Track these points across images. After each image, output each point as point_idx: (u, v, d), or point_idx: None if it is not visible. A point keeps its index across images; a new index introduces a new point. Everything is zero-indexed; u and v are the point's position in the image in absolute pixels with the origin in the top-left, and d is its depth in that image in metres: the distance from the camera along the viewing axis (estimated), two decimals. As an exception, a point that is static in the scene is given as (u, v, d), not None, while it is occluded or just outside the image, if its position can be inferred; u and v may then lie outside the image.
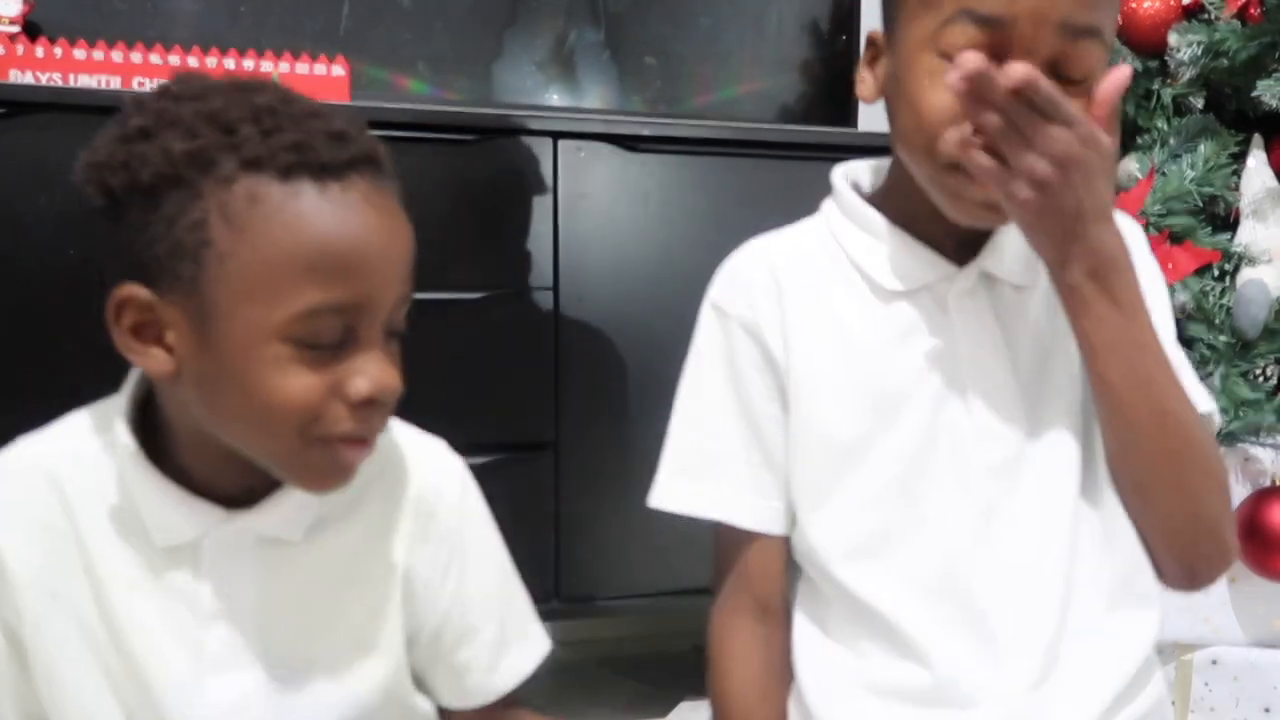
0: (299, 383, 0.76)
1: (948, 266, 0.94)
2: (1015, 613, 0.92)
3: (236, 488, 0.83)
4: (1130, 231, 1.00)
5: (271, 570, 0.85)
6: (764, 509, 0.98)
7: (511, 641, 0.99)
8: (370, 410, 0.79)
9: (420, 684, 0.97)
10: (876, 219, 0.96)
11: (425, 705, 0.97)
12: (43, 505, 0.83)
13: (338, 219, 0.77)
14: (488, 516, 0.96)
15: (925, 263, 0.95)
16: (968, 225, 0.91)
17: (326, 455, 0.79)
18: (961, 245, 0.95)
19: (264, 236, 0.75)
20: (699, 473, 0.99)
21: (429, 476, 0.92)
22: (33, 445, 0.86)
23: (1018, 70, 0.76)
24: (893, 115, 0.93)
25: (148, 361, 0.80)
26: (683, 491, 1.00)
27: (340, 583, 0.87)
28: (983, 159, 0.81)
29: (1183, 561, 0.93)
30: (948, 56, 0.83)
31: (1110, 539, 0.96)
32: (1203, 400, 0.96)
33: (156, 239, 0.77)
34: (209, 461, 0.82)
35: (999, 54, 0.83)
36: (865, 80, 0.96)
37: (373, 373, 0.78)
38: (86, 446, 0.85)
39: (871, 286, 0.96)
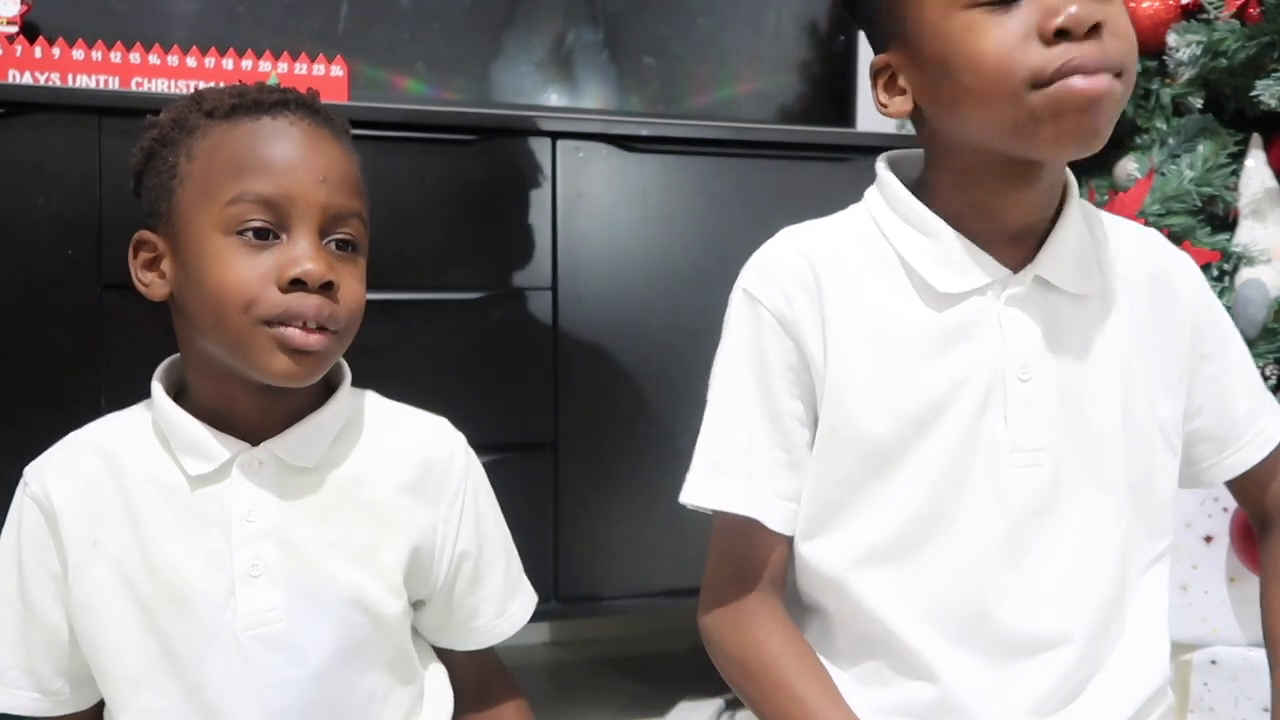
0: (237, 271, 0.92)
1: (1002, 270, 0.92)
2: (1036, 640, 0.90)
3: (253, 426, 0.98)
4: (1190, 268, 1.00)
5: (290, 494, 0.98)
6: (784, 510, 0.95)
7: (513, 591, 1.12)
8: (301, 294, 0.93)
9: (433, 641, 1.11)
10: (931, 217, 0.93)
11: (424, 673, 1.08)
12: (90, 470, 0.98)
13: (261, 134, 0.96)
14: (487, 480, 1.10)
15: (981, 265, 0.91)
16: (1071, 151, 0.87)
17: (272, 338, 0.93)
18: (1013, 247, 0.92)
19: (208, 156, 0.95)
20: (726, 467, 0.95)
21: (438, 447, 1.06)
22: (87, 428, 1.02)
23: None
24: (943, 97, 0.89)
25: (152, 289, 0.98)
26: (710, 485, 0.96)
27: (349, 512, 1.00)
28: None
29: None
30: (976, 6, 0.85)
31: (1141, 576, 0.96)
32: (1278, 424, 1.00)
33: (152, 188, 0.98)
34: (225, 395, 0.97)
35: None
36: (891, 102, 0.93)
37: (300, 259, 0.93)
38: (130, 420, 1.02)
39: (919, 287, 0.92)
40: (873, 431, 0.91)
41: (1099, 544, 0.92)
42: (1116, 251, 0.97)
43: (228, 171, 0.94)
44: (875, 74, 0.94)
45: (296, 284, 0.93)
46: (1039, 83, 0.83)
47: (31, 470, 0.99)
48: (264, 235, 0.94)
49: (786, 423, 0.94)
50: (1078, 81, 0.83)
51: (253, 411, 0.98)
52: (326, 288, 0.94)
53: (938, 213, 0.93)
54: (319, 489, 0.99)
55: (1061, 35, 0.83)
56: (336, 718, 0.98)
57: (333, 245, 0.96)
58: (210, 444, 0.96)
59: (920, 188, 0.96)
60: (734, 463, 0.95)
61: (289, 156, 0.95)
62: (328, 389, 1.03)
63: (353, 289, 0.97)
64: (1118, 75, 0.84)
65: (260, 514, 0.97)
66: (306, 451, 0.99)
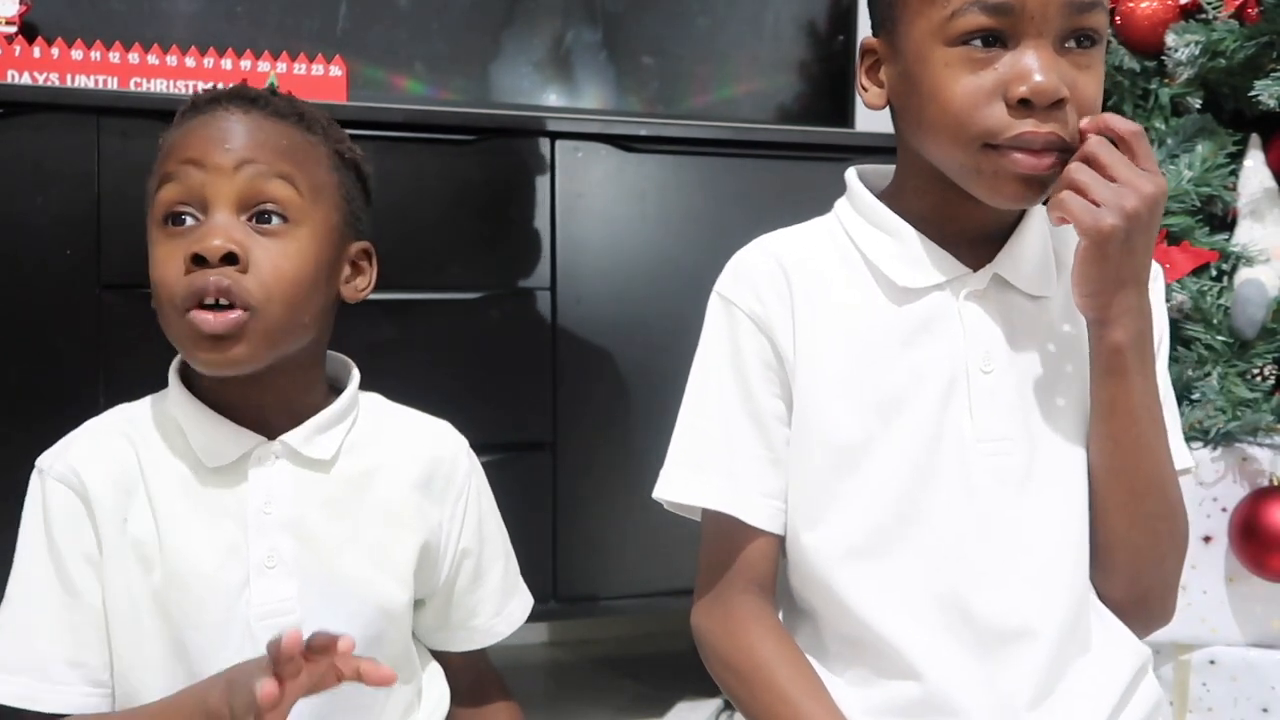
0: (156, 267, 0.94)
1: (961, 268, 0.94)
2: (1016, 627, 0.91)
3: (262, 420, 0.98)
4: (1157, 276, 1.01)
5: (306, 488, 0.99)
6: (767, 507, 0.96)
7: (511, 592, 1.13)
8: (202, 271, 0.92)
9: (429, 643, 1.11)
10: (894, 218, 0.96)
11: (421, 673, 1.08)
12: (118, 452, 0.98)
13: (182, 127, 0.97)
14: (488, 483, 1.11)
15: (940, 262, 0.94)
16: (1005, 206, 0.92)
17: (187, 324, 0.92)
18: (975, 248, 0.95)
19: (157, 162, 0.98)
20: (705, 464, 0.97)
21: (444, 448, 1.07)
22: (111, 412, 1.03)
23: (1128, 124, 0.86)
24: (910, 114, 0.93)
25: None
26: (688, 482, 0.97)
27: (362, 508, 1.01)
28: (1073, 197, 0.86)
29: (1125, 615, 0.96)
30: (960, 44, 0.87)
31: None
32: (1184, 456, 0.98)
33: None
34: (219, 387, 0.98)
35: (1009, 36, 0.86)
36: (869, 89, 0.96)
37: (202, 237, 0.92)
38: (147, 410, 1.02)
39: (883, 285, 0.95)
40: (841, 427, 0.93)
41: (1069, 531, 0.94)
42: None
43: (155, 168, 0.97)
44: (863, 54, 0.97)
45: (199, 261, 0.92)
46: (990, 143, 0.87)
47: (50, 456, 0.98)
48: (179, 220, 0.94)
49: (767, 421, 0.96)
50: (1021, 158, 0.87)
51: (251, 405, 0.98)
52: (229, 260, 0.92)
53: (904, 215, 0.96)
54: (333, 484, 1.00)
55: (1024, 103, 0.86)
56: (342, 714, 0.99)
57: (256, 219, 0.95)
58: (227, 436, 0.97)
59: (890, 191, 0.99)
60: (714, 460, 0.96)
61: (203, 137, 0.95)
62: (336, 389, 1.05)
63: (272, 262, 0.94)
64: (1066, 151, 0.88)
65: (276, 506, 0.98)
66: (321, 444, 1.00)
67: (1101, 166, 0.86)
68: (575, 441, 1.77)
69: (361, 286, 1.05)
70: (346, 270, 1.03)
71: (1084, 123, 0.87)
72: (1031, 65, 0.86)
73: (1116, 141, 0.87)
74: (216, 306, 0.92)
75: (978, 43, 0.87)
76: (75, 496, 0.95)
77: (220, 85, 1.02)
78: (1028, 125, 0.86)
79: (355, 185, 1.05)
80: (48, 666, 0.94)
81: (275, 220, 0.95)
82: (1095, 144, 0.87)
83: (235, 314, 0.92)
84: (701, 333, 1.00)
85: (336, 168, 1.02)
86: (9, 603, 0.96)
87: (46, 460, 0.98)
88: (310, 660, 0.81)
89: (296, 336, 0.97)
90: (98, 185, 1.52)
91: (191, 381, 1.00)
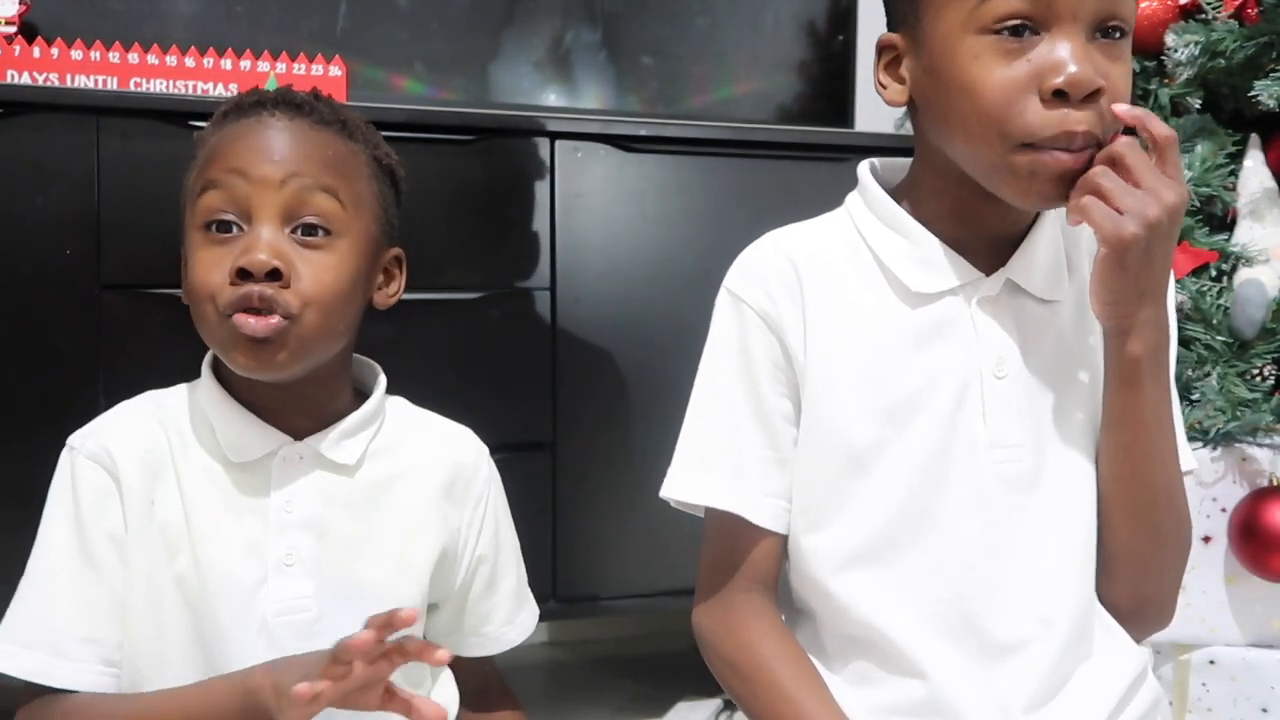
0: (199, 271, 0.95)
1: (975, 272, 0.93)
2: (1021, 635, 0.91)
3: (291, 421, 0.99)
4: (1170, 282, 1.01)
5: (328, 489, 1.00)
6: (773, 506, 0.95)
7: (522, 600, 1.15)
8: (245, 282, 0.93)
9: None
10: (907, 219, 0.94)
11: (430, 678, 1.08)
12: (149, 435, 0.99)
13: (226, 131, 0.98)
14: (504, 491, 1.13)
15: (954, 267, 0.93)
16: (1035, 207, 0.90)
17: (232, 329, 0.93)
18: (988, 252, 0.94)
19: (198, 161, 0.99)
20: (711, 463, 0.96)
21: (466, 454, 1.09)
22: (143, 396, 1.04)
23: (1164, 129, 0.84)
24: (935, 110, 0.91)
25: None
26: (695, 481, 0.97)
27: (383, 510, 1.02)
28: (1096, 204, 0.84)
29: (1123, 620, 0.96)
30: (990, 33, 0.85)
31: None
32: (1188, 458, 0.98)
33: None
34: (248, 386, 0.99)
35: (1041, 24, 0.85)
36: (889, 85, 0.94)
37: (248, 250, 0.93)
38: (178, 400, 1.03)
39: (895, 287, 0.94)
40: (852, 429, 0.93)
41: (1076, 538, 0.94)
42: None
43: (200, 168, 0.98)
44: (880, 49, 0.95)
45: (244, 274, 0.93)
46: (1026, 143, 0.85)
47: (82, 435, 0.99)
48: (224, 228, 0.95)
49: (773, 420, 0.95)
50: (1061, 156, 0.85)
51: (280, 406, 0.99)
52: (273, 275, 0.93)
53: (917, 215, 0.95)
54: (356, 487, 1.01)
55: (1059, 95, 0.84)
56: (353, 714, 0.99)
57: (299, 231, 0.96)
58: (254, 434, 0.99)
59: (904, 189, 0.98)
60: (721, 459, 0.96)
61: (248, 145, 0.96)
62: (363, 394, 1.06)
63: (313, 274, 0.96)
64: (1099, 146, 0.86)
65: (298, 506, 0.99)
66: (346, 449, 1.01)
67: (1126, 170, 0.84)
68: (575, 441, 1.77)
69: (392, 292, 1.07)
70: (380, 277, 1.05)
71: (1121, 109, 0.85)
72: (1065, 55, 0.84)
73: (1147, 144, 0.86)
74: (258, 311, 0.93)
75: (1008, 33, 0.85)
76: (106, 474, 0.97)
77: (250, 86, 1.04)
78: (1067, 122, 0.84)
79: (390, 192, 1.06)
80: (63, 643, 0.95)
81: (319, 234, 0.96)
82: (1123, 145, 0.85)
83: (279, 322, 0.93)
84: (709, 330, 1.00)
85: (375, 175, 1.03)
86: (29, 578, 0.98)
87: (78, 439, 0.99)
88: (390, 657, 0.83)
89: (331, 344, 0.99)
90: (98, 185, 1.52)
91: (223, 376, 1.01)
